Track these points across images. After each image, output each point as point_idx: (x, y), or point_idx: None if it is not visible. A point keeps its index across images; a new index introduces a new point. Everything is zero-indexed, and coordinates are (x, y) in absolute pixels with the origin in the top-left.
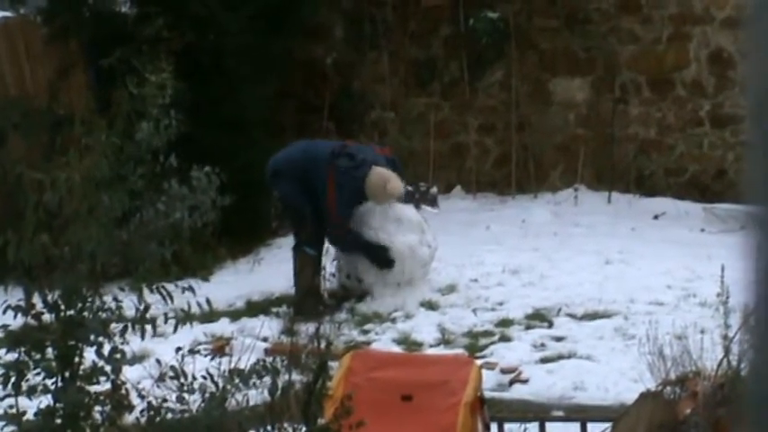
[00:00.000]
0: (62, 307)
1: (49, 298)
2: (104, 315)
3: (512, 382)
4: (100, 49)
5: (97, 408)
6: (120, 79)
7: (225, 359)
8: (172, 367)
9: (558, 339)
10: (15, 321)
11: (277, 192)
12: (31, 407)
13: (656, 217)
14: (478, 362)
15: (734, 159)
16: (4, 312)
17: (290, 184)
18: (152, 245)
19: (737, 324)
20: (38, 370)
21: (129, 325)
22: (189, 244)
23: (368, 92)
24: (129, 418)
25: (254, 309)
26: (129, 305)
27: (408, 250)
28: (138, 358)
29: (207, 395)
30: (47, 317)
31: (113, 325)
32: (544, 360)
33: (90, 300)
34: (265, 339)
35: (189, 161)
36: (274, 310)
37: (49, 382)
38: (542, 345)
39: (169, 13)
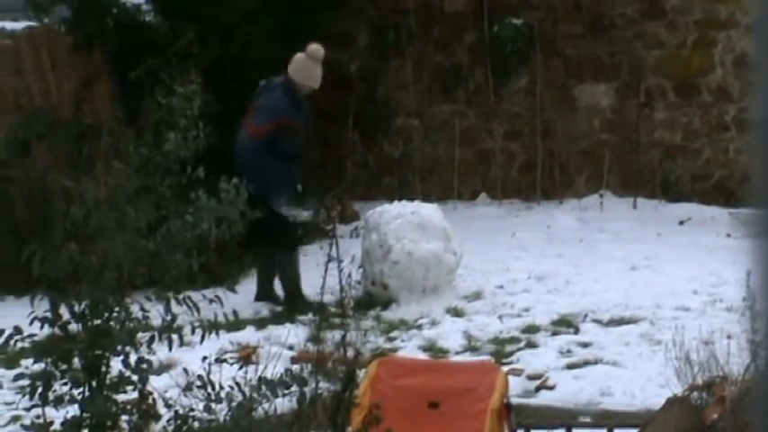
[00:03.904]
0: (89, 317)
1: (76, 308)
2: (131, 325)
3: (538, 389)
4: (124, 59)
5: (124, 417)
6: (149, 90)
7: (251, 367)
8: (199, 376)
9: (585, 345)
10: (42, 332)
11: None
12: (58, 417)
13: (681, 222)
14: (505, 368)
15: None
16: (31, 323)
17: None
18: (179, 255)
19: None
20: (65, 380)
21: (156, 334)
22: (215, 253)
23: (392, 99)
24: (157, 428)
25: (280, 317)
26: (155, 315)
27: (434, 257)
28: (164, 367)
29: (234, 404)
30: (74, 327)
31: (140, 334)
32: (570, 366)
33: (117, 310)
34: (291, 347)
35: (216, 173)
36: (300, 317)
37: (75, 391)
38: (569, 351)
39: (195, 24)
